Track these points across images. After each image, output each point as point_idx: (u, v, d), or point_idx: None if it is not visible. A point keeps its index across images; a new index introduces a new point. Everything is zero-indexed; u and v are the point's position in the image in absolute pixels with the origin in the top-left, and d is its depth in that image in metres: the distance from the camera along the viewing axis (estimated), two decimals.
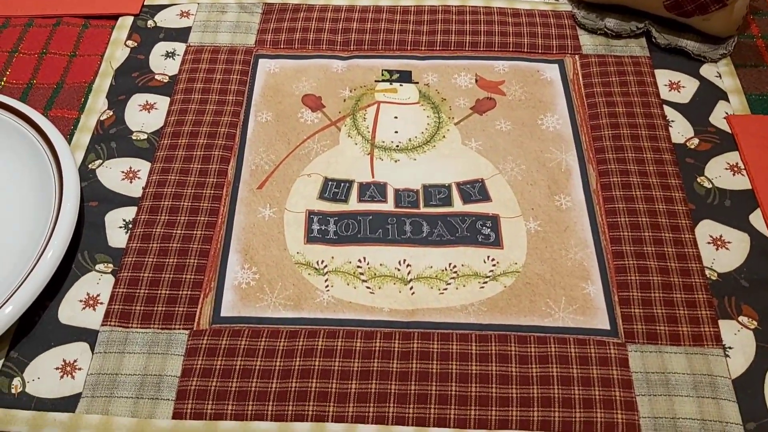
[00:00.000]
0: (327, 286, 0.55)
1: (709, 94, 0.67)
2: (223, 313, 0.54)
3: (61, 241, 0.54)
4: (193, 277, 0.56)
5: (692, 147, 0.64)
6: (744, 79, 0.69)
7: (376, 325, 0.53)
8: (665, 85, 0.68)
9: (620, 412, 0.49)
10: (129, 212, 0.59)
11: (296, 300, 0.55)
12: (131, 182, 0.61)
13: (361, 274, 0.56)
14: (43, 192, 0.58)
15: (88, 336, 0.53)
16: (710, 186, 0.61)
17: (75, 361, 0.52)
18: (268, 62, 0.70)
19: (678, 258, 0.57)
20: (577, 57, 0.70)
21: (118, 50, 0.71)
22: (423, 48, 0.71)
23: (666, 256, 0.57)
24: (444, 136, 0.64)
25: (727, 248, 0.57)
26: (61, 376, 0.51)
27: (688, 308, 0.54)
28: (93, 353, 0.52)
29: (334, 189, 0.61)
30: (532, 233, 0.58)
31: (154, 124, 0.65)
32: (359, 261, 0.57)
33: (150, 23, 0.74)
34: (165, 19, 0.74)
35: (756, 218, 0.59)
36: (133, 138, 0.64)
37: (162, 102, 0.67)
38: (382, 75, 0.69)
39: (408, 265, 0.56)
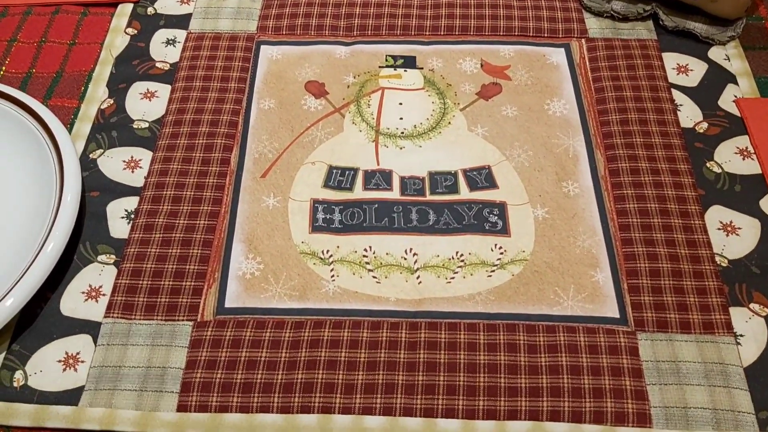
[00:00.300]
0: (333, 276, 0.55)
1: (718, 77, 0.66)
2: (228, 304, 0.53)
3: (62, 233, 0.53)
4: (196, 267, 0.55)
5: (701, 131, 0.62)
6: (753, 62, 0.67)
7: (382, 315, 0.53)
8: (673, 69, 0.67)
9: (631, 401, 0.49)
10: (131, 202, 0.58)
11: (301, 290, 0.54)
12: (133, 172, 0.60)
13: (367, 263, 0.55)
14: (44, 182, 0.57)
15: (91, 328, 0.52)
16: (720, 171, 0.60)
17: (78, 353, 0.51)
18: (270, 49, 0.69)
19: (688, 244, 0.56)
20: (583, 41, 0.69)
21: (117, 38, 0.70)
22: (427, 33, 0.70)
23: (676, 243, 0.56)
24: (450, 123, 0.63)
25: (737, 234, 0.56)
26: (64, 369, 0.50)
27: (699, 296, 0.53)
28: (96, 345, 0.51)
29: (338, 177, 0.60)
30: (540, 220, 0.57)
31: (156, 113, 0.64)
32: (365, 250, 0.56)
33: (150, 10, 0.73)
34: (165, 6, 0.73)
35: (767, 204, 0.58)
36: (134, 127, 0.63)
37: (163, 90, 0.66)
38: (386, 61, 0.68)
39: (414, 254, 0.56)
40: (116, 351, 0.51)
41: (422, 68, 0.67)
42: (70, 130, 0.63)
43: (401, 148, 0.62)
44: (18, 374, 0.50)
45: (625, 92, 0.65)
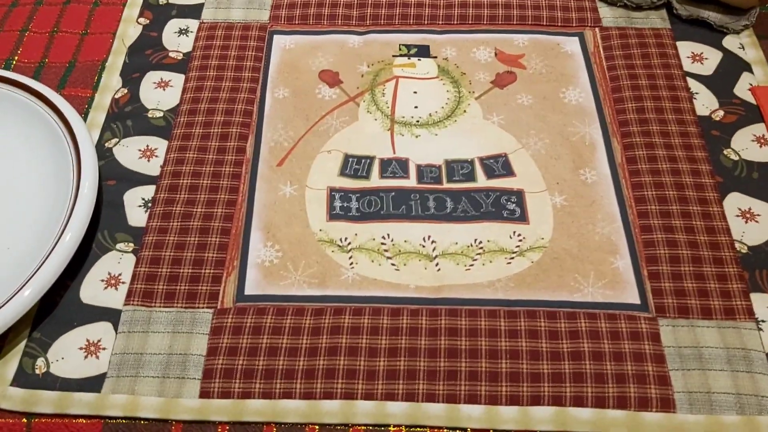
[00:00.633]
0: (351, 264, 0.54)
1: (733, 65, 0.66)
2: (247, 291, 0.53)
3: (80, 223, 0.53)
4: (215, 255, 0.55)
5: (717, 119, 0.62)
6: (767, 51, 0.67)
7: (402, 302, 0.53)
8: (688, 57, 0.67)
9: (654, 386, 0.49)
10: (148, 191, 0.58)
11: (321, 277, 0.54)
12: (149, 161, 0.60)
13: (386, 250, 0.55)
14: (61, 171, 0.57)
15: (111, 315, 0.52)
16: (737, 158, 0.60)
17: (99, 341, 0.51)
18: (283, 38, 0.69)
19: (707, 231, 0.56)
20: (597, 30, 0.69)
21: (130, 28, 0.70)
22: (440, 22, 0.70)
23: (695, 230, 0.56)
24: (465, 111, 0.63)
25: (756, 221, 0.56)
26: (86, 356, 0.50)
27: (719, 282, 0.53)
28: (117, 333, 0.51)
29: (354, 165, 0.60)
30: (558, 208, 0.57)
31: (170, 102, 0.64)
32: (383, 238, 0.56)
33: (161, 0, 0.72)
34: None
35: None
36: (149, 116, 0.63)
37: (177, 79, 0.66)
38: (400, 50, 0.68)
39: (433, 242, 0.55)
40: (137, 338, 0.51)
41: (436, 57, 0.67)
42: (84, 120, 0.63)
43: (417, 137, 0.62)
44: (40, 361, 0.50)
45: (640, 81, 0.65)
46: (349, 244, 0.55)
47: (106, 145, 0.61)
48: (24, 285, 0.50)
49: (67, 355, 0.50)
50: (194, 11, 0.71)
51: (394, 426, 0.48)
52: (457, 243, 0.55)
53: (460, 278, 0.54)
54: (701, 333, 0.51)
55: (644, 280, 0.54)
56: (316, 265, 0.54)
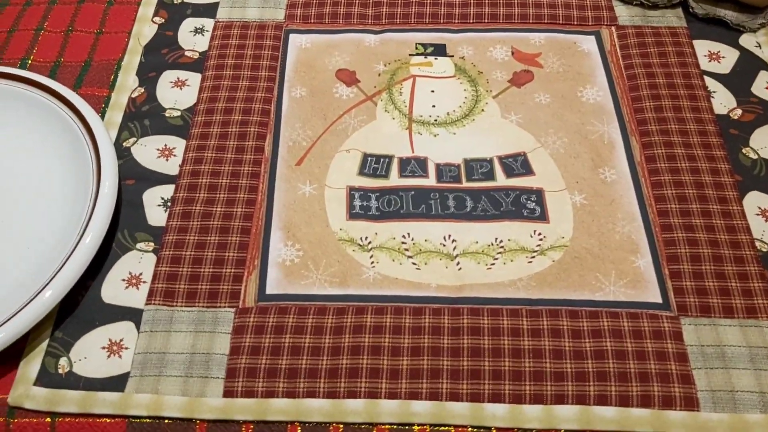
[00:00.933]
0: (372, 263, 0.54)
1: (750, 64, 0.66)
2: (269, 291, 0.53)
3: (100, 224, 0.52)
4: (235, 254, 0.55)
5: (735, 118, 0.62)
6: None
7: (424, 301, 0.53)
8: (704, 56, 0.67)
9: (677, 385, 0.48)
10: (167, 190, 0.58)
11: (342, 277, 0.54)
12: (167, 160, 0.60)
13: (406, 250, 0.55)
14: (80, 171, 0.56)
15: (133, 315, 0.52)
16: (756, 157, 0.60)
17: (121, 340, 0.51)
18: (299, 37, 0.69)
19: (727, 230, 0.56)
20: (613, 28, 0.69)
21: (145, 27, 0.70)
22: (456, 21, 0.70)
23: (715, 229, 0.56)
24: (483, 110, 0.63)
25: None
26: (108, 356, 0.50)
27: (740, 281, 0.53)
28: (139, 332, 0.51)
29: (373, 164, 0.60)
30: (578, 207, 0.57)
31: (187, 101, 0.64)
32: (403, 237, 0.56)
33: None
34: None
35: None
36: (166, 115, 0.63)
37: (193, 78, 0.66)
38: (416, 48, 0.68)
39: (453, 241, 0.55)
40: (160, 337, 0.51)
41: (452, 56, 0.67)
42: (101, 119, 0.62)
43: (435, 136, 0.62)
44: (63, 361, 0.50)
45: (657, 79, 0.65)
46: (370, 243, 0.55)
47: (124, 144, 0.61)
48: (45, 286, 0.50)
49: (89, 354, 0.50)
50: (209, 10, 0.71)
51: (419, 425, 0.48)
52: (477, 242, 0.55)
53: (481, 277, 0.54)
54: (723, 332, 0.51)
55: (665, 279, 0.54)
56: (336, 264, 0.54)
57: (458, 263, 0.54)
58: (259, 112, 0.63)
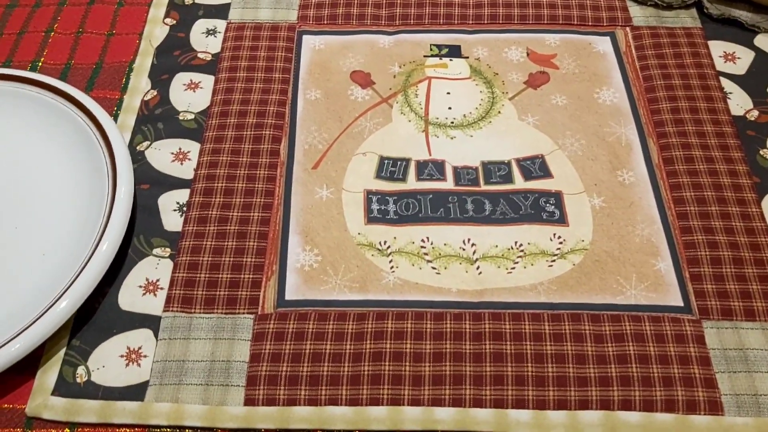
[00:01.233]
0: (392, 268, 0.54)
1: (766, 64, 0.66)
2: (288, 297, 0.53)
3: (117, 231, 0.52)
4: (253, 260, 0.54)
5: (752, 119, 0.62)
6: None
7: (444, 306, 0.52)
8: (720, 57, 0.67)
9: (701, 389, 0.48)
10: (182, 195, 0.58)
11: (362, 282, 0.53)
12: (182, 164, 0.60)
13: (426, 254, 0.55)
14: (95, 175, 0.56)
15: (151, 322, 0.51)
16: None
17: (139, 348, 0.50)
18: (313, 38, 0.68)
19: (746, 232, 0.55)
20: (628, 29, 0.69)
21: (156, 28, 0.69)
22: (470, 22, 0.69)
23: (734, 231, 0.55)
24: (499, 112, 0.63)
25: None
26: (127, 364, 0.49)
27: (761, 283, 0.53)
28: (157, 340, 0.50)
29: (390, 168, 0.59)
30: (597, 209, 0.57)
31: (201, 104, 0.63)
32: (422, 241, 0.55)
33: (187, 0, 0.71)
34: None
35: None
36: (180, 118, 0.62)
37: (207, 81, 0.65)
38: (431, 50, 0.67)
39: (473, 244, 0.55)
40: (178, 345, 0.50)
41: (468, 57, 0.67)
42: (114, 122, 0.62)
43: (452, 138, 0.61)
44: (80, 370, 0.49)
45: (674, 80, 0.64)
46: (389, 247, 0.55)
47: (138, 148, 0.60)
48: (62, 295, 0.49)
49: (107, 363, 0.50)
50: (221, 11, 0.71)
51: None
52: (497, 246, 0.55)
53: (502, 281, 0.53)
54: (746, 335, 0.51)
55: (686, 282, 0.53)
56: (356, 269, 0.54)
57: (478, 267, 0.54)
58: (273, 114, 0.62)
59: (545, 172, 0.59)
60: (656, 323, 0.51)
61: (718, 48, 0.67)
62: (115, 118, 0.63)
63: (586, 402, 0.48)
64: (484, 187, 0.58)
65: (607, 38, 0.68)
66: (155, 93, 0.64)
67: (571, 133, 0.61)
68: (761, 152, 0.60)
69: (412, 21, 0.69)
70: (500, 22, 0.69)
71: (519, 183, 0.58)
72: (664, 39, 0.67)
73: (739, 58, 0.66)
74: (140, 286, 0.53)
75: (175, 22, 0.70)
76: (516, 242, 0.55)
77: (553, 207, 0.57)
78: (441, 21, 0.69)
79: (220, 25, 0.69)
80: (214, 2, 0.71)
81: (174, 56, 0.67)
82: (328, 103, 0.63)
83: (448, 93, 0.64)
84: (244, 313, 0.52)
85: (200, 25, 0.69)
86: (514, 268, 0.54)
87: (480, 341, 0.50)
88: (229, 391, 0.48)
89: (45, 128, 0.59)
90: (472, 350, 0.50)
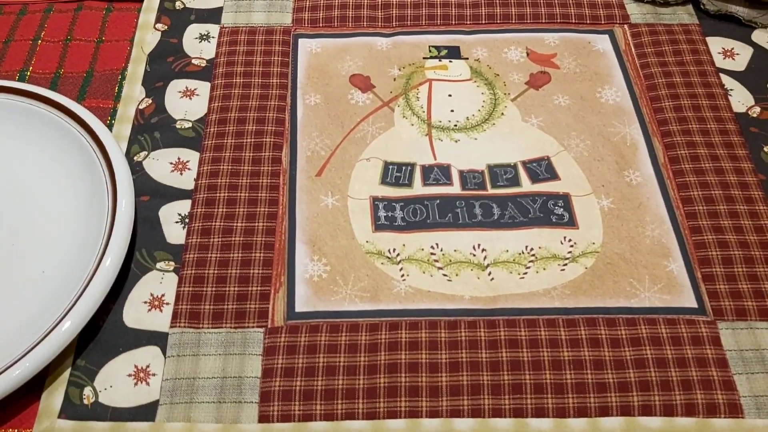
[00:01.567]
0: (402, 276, 0.53)
1: (764, 60, 0.66)
2: (298, 309, 0.51)
3: (119, 246, 0.50)
4: (261, 271, 0.53)
5: (754, 116, 0.62)
6: None
7: (458, 314, 0.51)
8: (719, 53, 0.66)
9: (720, 392, 0.48)
10: (183, 206, 0.56)
11: (373, 291, 0.52)
12: (181, 174, 0.58)
13: (436, 261, 0.54)
14: (94, 188, 0.54)
15: (158, 339, 0.50)
16: None
17: (147, 366, 0.49)
18: (309, 42, 0.67)
19: (756, 231, 0.55)
20: (626, 27, 0.68)
21: (147, 34, 0.67)
22: (468, 22, 0.68)
23: (743, 230, 0.55)
24: (503, 113, 0.62)
25: None
26: (135, 383, 0.48)
27: None
28: (165, 357, 0.49)
29: (395, 173, 0.58)
30: (606, 211, 0.56)
31: (198, 111, 0.62)
32: (432, 247, 0.54)
33: (178, 4, 0.70)
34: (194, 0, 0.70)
35: None
36: (177, 127, 0.61)
37: (202, 87, 0.63)
38: (430, 51, 0.66)
39: (483, 250, 0.54)
40: (188, 362, 0.49)
41: (467, 58, 0.66)
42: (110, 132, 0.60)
43: (456, 141, 0.60)
44: (87, 390, 0.47)
45: (675, 78, 0.64)
46: (398, 255, 0.54)
47: (135, 158, 0.59)
48: (65, 315, 0.47)
49: (115, 382, 0.48)
50: (213, 16, 0.69)
51: None
52: (508, 250, 0.54)
53: (515, 287, 0.52)
54: (761, 335, 0.50)
55: (699, 283, 0.53)
56: (366, 279, 0.53)
57: (490, 273, 0.53)
58: (273, 121, 0.61)
59: (552, 174, 0.58)
60: (671, 326, 0.51)
61: (716, 44, 0.67)
62: (110, 128, 0.61)
63: (606, 408, 0.47)
64: (491, 191, 0.57)
65: (606, 36, 0.68)
66: (150, 101, 0.62)
67: (575, 133, 0.61)
68: (765, 149, 0.60)
69: (409, 22, 0.68)
70: (498, 21, 0.68)
71: (526, 186, 0.57)
72: (662, 36, 0.67)
73: (737, 54, 0.66)
74: (145, 302, 0.51)
75: (166, 27, 0.68)
76: (527, 246, 0.54)
77: (561, 209, 0.56)
78: (438, 21, 0.68)
79: (213, 29, 0.68)
80: (206, 6, 0.70)
81: (167, 63, 0.65)
82: (328, 108, 0.62)
83: (450, 95, 0.63)
84: (253, 327, 0.50)
85: (193, 30, 0.68)
86: (526, 273, 0.53)
87: (496, 349, 0.49)
88: (243, 408, 0.47)
89: (39, 140, 0.58)
90: (488, 359, 0.49)
